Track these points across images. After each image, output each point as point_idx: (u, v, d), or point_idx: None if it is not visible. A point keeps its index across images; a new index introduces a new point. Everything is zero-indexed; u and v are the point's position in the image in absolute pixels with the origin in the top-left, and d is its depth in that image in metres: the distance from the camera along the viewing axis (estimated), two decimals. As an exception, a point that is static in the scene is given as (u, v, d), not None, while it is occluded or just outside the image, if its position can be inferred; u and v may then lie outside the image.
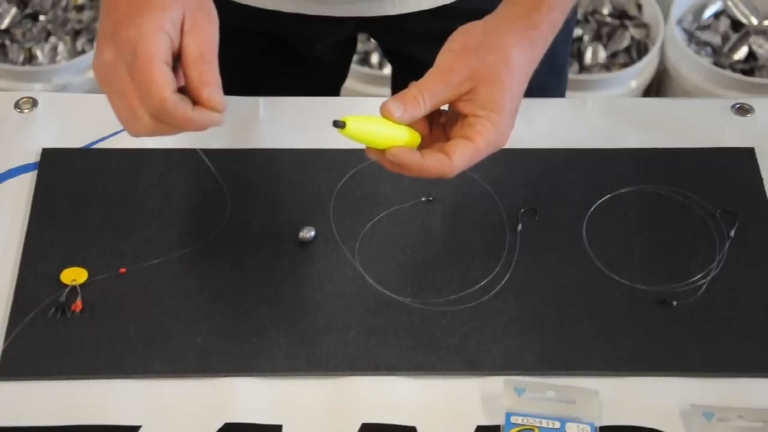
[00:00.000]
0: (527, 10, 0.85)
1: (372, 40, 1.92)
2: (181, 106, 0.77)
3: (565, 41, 1.21)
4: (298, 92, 1.08)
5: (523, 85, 0.85)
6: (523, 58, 0.85)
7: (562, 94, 1.24)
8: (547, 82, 1.19)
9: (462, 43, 0.84)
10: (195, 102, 0.78)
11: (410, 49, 1.12)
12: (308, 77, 1.18)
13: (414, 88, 0.82)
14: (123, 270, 0.92)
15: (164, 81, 0.77)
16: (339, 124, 0.80)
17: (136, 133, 0.80)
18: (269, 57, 1.14)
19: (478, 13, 0.88)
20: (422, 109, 0.82)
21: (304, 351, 0.88)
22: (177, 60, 0.80)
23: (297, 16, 1.04)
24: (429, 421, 0.85)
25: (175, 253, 0.94)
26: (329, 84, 1.24)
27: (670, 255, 0.95)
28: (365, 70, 1.94)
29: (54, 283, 0.92)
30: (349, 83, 1.84)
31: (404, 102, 0.81)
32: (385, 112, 0.81)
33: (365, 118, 0.81)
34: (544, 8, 0.86)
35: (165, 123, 0.79)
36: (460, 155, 0.81)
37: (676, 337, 0.90)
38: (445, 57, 0.83)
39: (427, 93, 0.82)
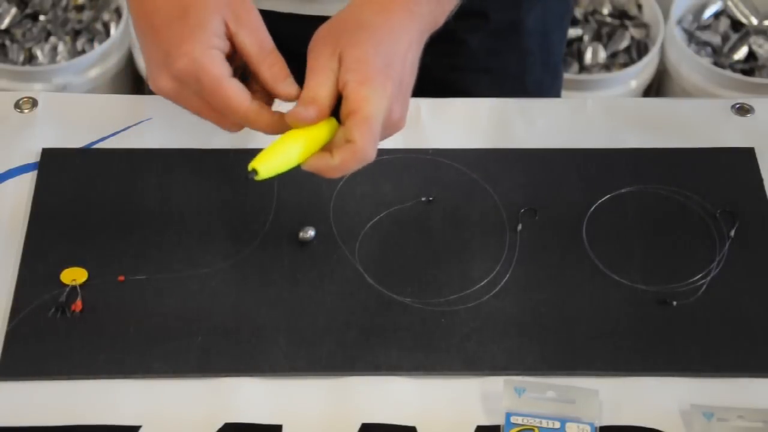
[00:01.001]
0: None
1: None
2: (262, 113, 0.83)
3: (560, 40, 1.20)
4: None
5: (396, 44, 0.83)
6: (377, 18, 0.83)
7: (557, 93, 1.24)
8: (542, 80, 1.19)
9: (320, 31, 0.84)
10: (272, 95, 0.85)
11: None
12: (302, 76, 1.18)
13: (304, 89, 0.82)
14: (122, 278, 0.92)
15: (240, 97, 0.82)
16: (252, 176, 0.80)
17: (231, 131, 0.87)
18: None
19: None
20: (324, 101, 0.80)
21: (304, 351, 0.88)
22: (231, 59, 0.84)
23: (292, 15, 1.04)
24: (429, 421, 0.85)
25: (175, 253, 0.94)
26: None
27: (670, 255, 0.95)
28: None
29: (54, 283, 0.91)
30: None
31: (303, 102, 0.81)
32: (295, 120, 0.81)
33: (274, 149, 0.81)
34: None
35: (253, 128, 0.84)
36: (359, 134, 0.79)
37: (676, 337, 0.90)
38: (311, 48, 0.83)
39: (313, 85, 0.81)
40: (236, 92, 0.81)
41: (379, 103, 0.80)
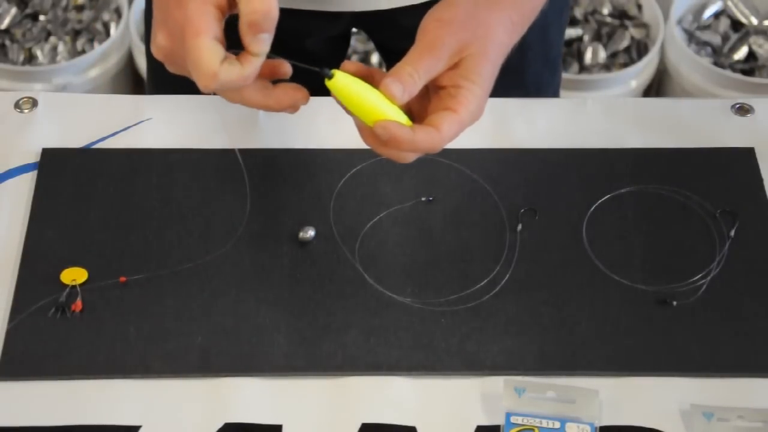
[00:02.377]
0: None
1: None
2: (233, 72, 0.76)
3: (559, 35, 1.20)
4: None
5: (499, 67, 0.84)
6: (505, 39, 0.84)
7: (556, 88, 1.24)
8: (541, 75, 1.19)
9: (451, 14, 0.82)
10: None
11: (404, 44, 1.11)
12: (300, 75, 1.17)
13: (408, 65, 0.80)
14: (123, 279, 0.92)
15: (210, 56, 0.75)
16: (326, 74, 0.78)
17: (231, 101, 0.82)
18: None
19: None
20: (417, 87, 0.80)
21: (304, 351, 0.88)
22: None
23: (291, 11, 1.04)
24: (429, 421, 0.85)
25: (175, 254, 0.94)
26: (322, 82, 1.23)
27: (670, 255, 0.95)
28: (365, 70, 1.94)
29: (54, 283, 0.91)
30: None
31: (403, 81, 0.79)
32: (386, 92, 0.79)
33: (358, 80, 0.79)
34: None
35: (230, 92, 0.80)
36: (447, 127, 0.80)
37: (676, 337, 0.90)
38: (432, 27, 0.82)
39: (422, 69, 0.80)
40: (208, 51, 0.75)
41: (476, 114, 0.82)
